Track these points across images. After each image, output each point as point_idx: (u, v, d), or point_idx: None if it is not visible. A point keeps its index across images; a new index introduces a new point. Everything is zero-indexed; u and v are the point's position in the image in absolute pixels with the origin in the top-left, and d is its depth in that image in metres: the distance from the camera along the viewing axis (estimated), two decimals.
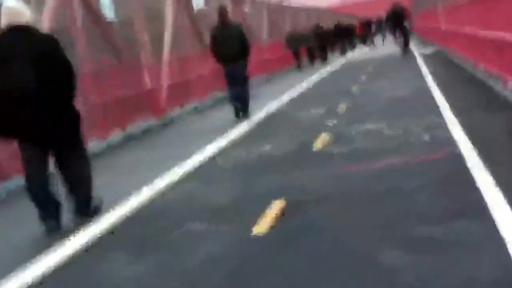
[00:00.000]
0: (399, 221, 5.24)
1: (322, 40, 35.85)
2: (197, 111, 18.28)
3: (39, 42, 6.48)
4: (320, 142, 9.50)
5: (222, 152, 10.03)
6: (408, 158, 7.55)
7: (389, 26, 33.48)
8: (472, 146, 7.54)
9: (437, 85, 14.78)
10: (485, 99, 11.60)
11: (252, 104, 14.72)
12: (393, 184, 6.48)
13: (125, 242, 6.01)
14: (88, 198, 6.80)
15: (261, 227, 5.61)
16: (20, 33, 6.46)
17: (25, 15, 6.55)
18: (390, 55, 31.40)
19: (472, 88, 13.57)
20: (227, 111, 14.90)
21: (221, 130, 12.39)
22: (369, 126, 10.18)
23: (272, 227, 5.60)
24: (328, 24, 48.26)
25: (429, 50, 29.40)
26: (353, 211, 5.80)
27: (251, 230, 5.54)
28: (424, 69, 20.37)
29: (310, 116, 12.84)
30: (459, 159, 7.04)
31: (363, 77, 20.55)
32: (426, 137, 8.53)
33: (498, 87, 11.95)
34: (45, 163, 6.64)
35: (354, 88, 17.08)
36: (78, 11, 13.77)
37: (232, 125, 13.16)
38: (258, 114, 14.26)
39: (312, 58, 34.76)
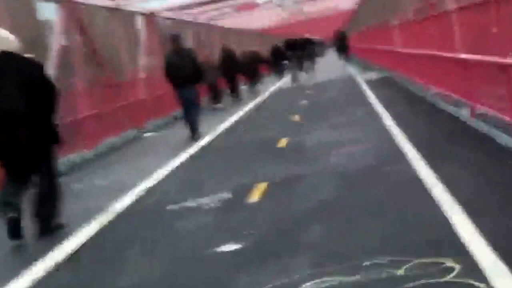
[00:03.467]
0: None
1: (235, 69, 24.66)
2: (77, 167, 12.80)
3: (26, 68, 7.02)
4: None
5: None
6: None
7: (336, 48, 44.25)
8: None
9: (408, 136, 9.44)
10: None
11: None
12: None
13: None
14: (52, 215, 7.18)
15: None
16: (9, 59, 6.99)
17: (13, 43, 7.14)
18: (328, 82, 26.00)
19: (473, 146, 8.14)
20: (117, 168, 11.56)
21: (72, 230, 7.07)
22: (309, 272, 4.57)
23: None
24: (260, 47, 43.03)
25: (374, 76, 24.22)
26: None
27: None
28: (375, 102, 15.12)
29: (197, 216, 7.11)
30: None
31: (296, 119, 15.05)
32: None
33: None
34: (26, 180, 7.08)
35: (282, 143, 11.53)
36: None
37: (107, 206, 8.07)
38: (117, 205, 8.40)
39: (214, 96, 23.15)
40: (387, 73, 23.11)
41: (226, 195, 7.86)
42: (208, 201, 7.70)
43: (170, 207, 7.76)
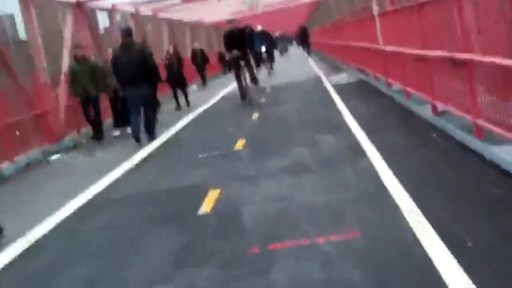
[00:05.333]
0: None
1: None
2: None
3: None
4: None
5: None
6: None
7: (297, 41, 51.82)
8: None
9: (422, 207, 5.18)
10: None
11: None
12: None
13: None
14: None
15: None
16: None
17: None
18: (290, 85, 21.17)
19: None
20: None
21: None
22: None
23: None
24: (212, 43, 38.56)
25: (346, 81, 19.82)
26: None
27: None
28: (351, 122, 10.84)
29: None
30: None
31: (239, 146, 10.58)
32: None
33: None
34: None
35: (207, 204, 7.04)
36: None
37: None
38: None
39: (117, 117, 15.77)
40: (362, 75, 18.79)
41: None
42: None
43: None
